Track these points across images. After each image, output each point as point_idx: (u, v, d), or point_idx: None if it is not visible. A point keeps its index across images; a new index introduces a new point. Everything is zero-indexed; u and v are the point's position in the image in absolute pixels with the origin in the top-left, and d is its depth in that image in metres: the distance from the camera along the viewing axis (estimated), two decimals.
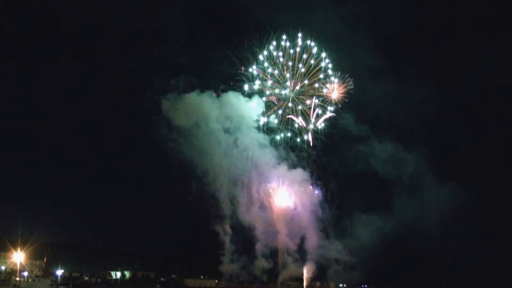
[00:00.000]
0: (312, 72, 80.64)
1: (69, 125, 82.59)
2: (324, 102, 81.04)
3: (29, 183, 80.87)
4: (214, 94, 77.76)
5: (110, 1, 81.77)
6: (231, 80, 78.68)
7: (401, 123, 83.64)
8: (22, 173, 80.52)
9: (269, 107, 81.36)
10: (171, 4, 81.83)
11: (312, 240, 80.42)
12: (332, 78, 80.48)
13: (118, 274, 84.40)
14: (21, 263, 74.56)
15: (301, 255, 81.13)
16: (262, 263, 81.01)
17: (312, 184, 79.49)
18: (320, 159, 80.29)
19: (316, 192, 79.38)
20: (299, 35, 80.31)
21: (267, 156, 79.03)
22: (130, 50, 79.42)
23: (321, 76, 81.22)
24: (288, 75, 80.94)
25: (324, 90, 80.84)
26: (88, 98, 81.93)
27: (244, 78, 79.74)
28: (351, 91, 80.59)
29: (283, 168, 79.67)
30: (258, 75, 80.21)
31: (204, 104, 76.79)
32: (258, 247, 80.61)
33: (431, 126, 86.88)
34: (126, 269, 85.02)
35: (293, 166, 79.89)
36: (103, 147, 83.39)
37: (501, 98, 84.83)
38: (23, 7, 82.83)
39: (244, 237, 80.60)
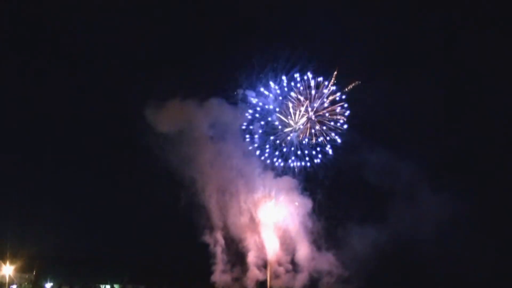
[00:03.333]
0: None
1: (55, 136, 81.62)
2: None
3: (16, 195, 79.85)
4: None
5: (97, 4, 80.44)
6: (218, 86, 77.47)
7: (394, 129, 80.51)
8: (9, 185, 79.43)
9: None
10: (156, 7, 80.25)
11: (303, 252, 79.02)
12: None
13: (108, 287, 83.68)
14: (9, 276, 74.52)
15: (293, 266, 79.67)
16: (254, 274, 79.49)
17: (299, 195, 77.84)
18: (306, 169, 79.30)
19: (304, 202, 77.50)
20: None
21: (252, 164, 78.06)
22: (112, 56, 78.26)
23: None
24: None
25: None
26: (73, 106, 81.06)
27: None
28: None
29: (269, 176, 78.56)
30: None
31: (187, 111, 75.80)
32: (250, 258, 79.64)
33: (426, 133, 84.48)
34: (116, 282, 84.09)
35: (279, 175, 79.13)
36: (90, 158, 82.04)
37: (500, 104, 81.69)
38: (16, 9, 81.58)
39: (236, 248, 79.82)
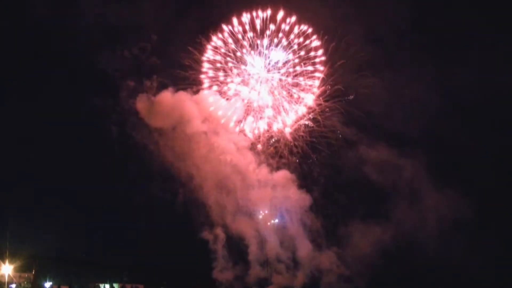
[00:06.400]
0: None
1: (53, 136, 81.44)
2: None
3: (16, 195, 79.98)
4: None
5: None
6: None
7: (396, 125, 78.80)
8: (9, 185, 79.60)
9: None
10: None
11: (303, 250, 78.15)
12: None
13: (107, 286, 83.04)
14: (9, 275, 74.51)
15: (293, 264, 78.88)
16: (256, 272, 78.90)
17: (296, 191, 76.91)
18: (302, 166, 78.31)
19: (301, 198, 76.49)
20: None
21: (247, 159, 77.37)
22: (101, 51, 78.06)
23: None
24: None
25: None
26: (69, 105, 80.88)
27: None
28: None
29: (264, 171, 77.71)
30: None
31: (179, 105, 75.73)
32: (251, 256, 78.94)
33: (429, 129, 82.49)
34: (115, 281, 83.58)
35: (274, 170, 78.18)
36: (86, 157, 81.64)
37: (505, 98, 79.77)
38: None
39: (236, 245, 79.22)
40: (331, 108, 77.18)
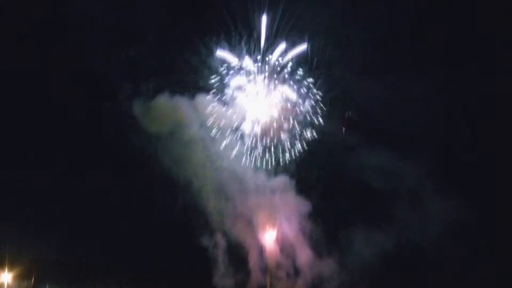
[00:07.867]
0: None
1: (50, 140, 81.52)
2: None
3: (14, 201, 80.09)
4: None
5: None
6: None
7: (396, 128, 78.02)
8: (7, 190, 79.62)
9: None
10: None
11: (303, 256, 77.61)
12: None
13: None
14: (8, 284, 74.64)
15: (294, 270, 78.20)
16: (256, 278, 78.40)
17: (295, 196, 76.33)
18: (299, 172, 77.43)
19: (300, 204, 75.87)
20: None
21: (244, 165, 76.79)
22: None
23: None
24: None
25: None
26: (60, 107, 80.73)
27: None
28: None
29: (262, 177, 77.08)
30: None
31: (176, 109, 75.35)
32: (251, 263, 78.49)
33: (430, 132, 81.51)
34: (115, 287, 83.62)
35: (272, 175, 77.65)
36: (84, 161, 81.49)
37: (506, 101, 77.94)
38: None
39: (236, 251, 78.70)
40: (330, 112, 76.94)
